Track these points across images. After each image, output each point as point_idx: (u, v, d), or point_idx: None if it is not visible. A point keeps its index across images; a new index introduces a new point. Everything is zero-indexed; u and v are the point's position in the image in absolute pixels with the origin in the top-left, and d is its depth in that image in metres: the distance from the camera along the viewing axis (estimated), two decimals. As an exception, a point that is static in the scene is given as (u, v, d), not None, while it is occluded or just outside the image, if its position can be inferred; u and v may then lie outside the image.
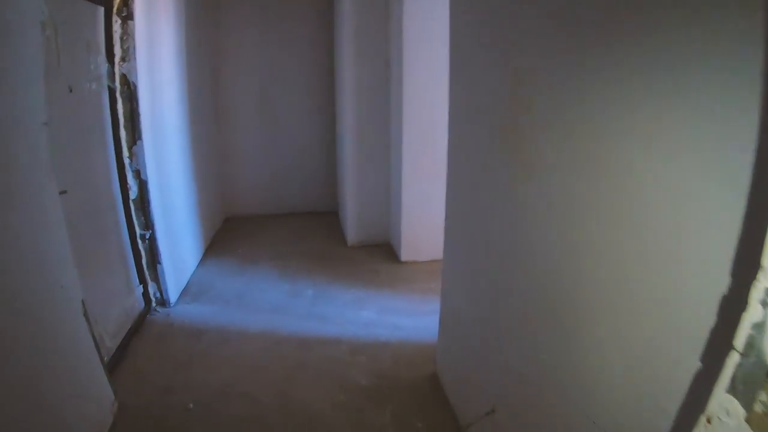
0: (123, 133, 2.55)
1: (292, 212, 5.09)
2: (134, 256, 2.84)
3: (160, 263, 2.92)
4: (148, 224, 2.85)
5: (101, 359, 2.14)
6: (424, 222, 3.76)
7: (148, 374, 2.46)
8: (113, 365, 2.45)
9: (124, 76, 2.47)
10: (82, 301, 2.02)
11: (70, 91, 2.11)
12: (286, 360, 2.59)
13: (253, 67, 4.66)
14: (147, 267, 2.91)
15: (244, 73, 4.66)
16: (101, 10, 2.36)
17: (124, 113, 2.52)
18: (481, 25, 1.67)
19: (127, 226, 2.79)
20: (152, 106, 2.79)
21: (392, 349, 2.72)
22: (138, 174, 2.69)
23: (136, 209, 2.79)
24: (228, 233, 4.55)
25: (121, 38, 2.43)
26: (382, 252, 4.05)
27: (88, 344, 2.07)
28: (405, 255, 3.84)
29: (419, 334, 2.84)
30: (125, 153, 2.60)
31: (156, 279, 2.97)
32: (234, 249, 4.12)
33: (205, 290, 3.38)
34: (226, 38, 4.53)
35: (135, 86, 2.49)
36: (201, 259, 3.86)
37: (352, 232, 4.14)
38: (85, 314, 2.04)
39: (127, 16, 2.43)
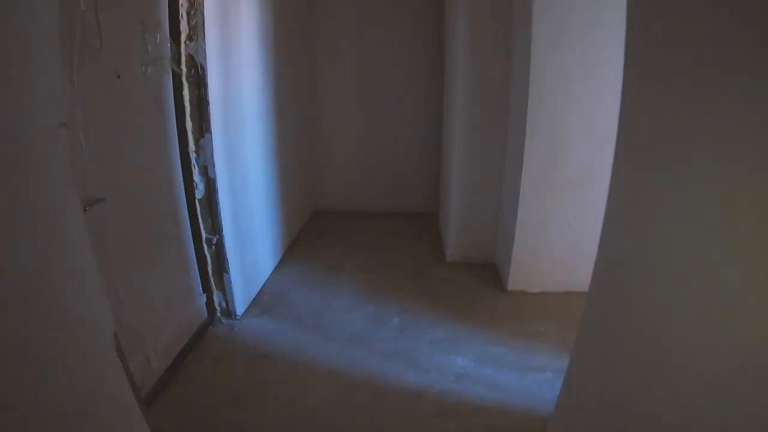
0: (189, 124, 2.17)
1: (386, 211, 4.57)
2: (199, 263, 2.51)
3: (227, 272, 2.57)
4: (215, 228, 2.49)
5: (137, 396, 1.81)
6: (539, 248, 3.02)
7: (197, 407, 2.10)
8: (160, 389, 2.13)
9: (190, 58, 2.08)
10: (115, 334, 1.67)
11: (118, 77, 1.74)
12: (355, 416, 2.08)
13: (353, 55, 4.17)
14: (213, 274, 2.57)
15: (343, 61, 4.19)
16: (164, -24, 1.97)
17: (190, 101, 2.14)
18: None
19: (192, 229, 2.45)
20: (225, 93, 2.39)
21: (487, 417, 2.08)
22: (205, 171, 2.32)
23: (202, 210, 2.44)
24: (314, 231, 4.16)
25: (188, 12, 2.03)
26: (485, 274, 3.37)
27: (120, 382, 1.73)
28: (513, 283, 3.13)
29: (523, 399, 2.18)
30: (191, 147, 2.23)
31: (222, 288, 2.62)
32: (318, 252, 3.70)
33: (278, 302, 2.99)
34: (322, 24, 4.08)
35: (204, 69, 2.08)
36: (280, 261, 3.51)
37: (453, 246, 3.51)
38: (118, 347, 1.69)
39: (197, -15, 2.02)
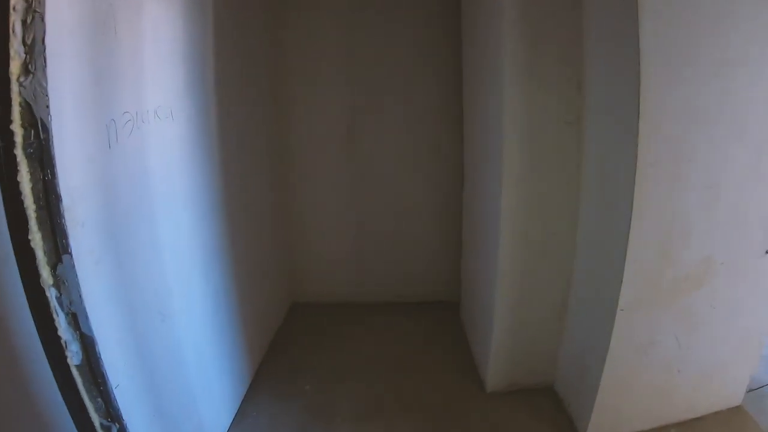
0: (35, 239, 1.09)
1: (388, 301, 3.44)
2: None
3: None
4: (110, 410, 1.36)
5: None
6: (637, 375, 1.99)
7: None
8: None
9: (27, 108, 1.03)
10: None
11: None
12: None
13: (337, 92, 3.13)
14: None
15: (322, 99, 3.14)
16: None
17: (33, 192, 1.07)
18: None
19: (74, 415, 1.32)
20: (107, 171, 1.35)
21: None
22: (75, 321, 1.21)
23: (86, 383, 1.31)
24: (292, 340, 2.98)
25: (23, 20, 0.99)
26: (545, 409, 2.27)
27: None
28: (596, 426, 2.06)
29: None
30: (45, 280, 1.14)
31: None
32: (298, 381, 2.54)
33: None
34: (294, 51, 3.08)
35: (48, 131, 1.02)
36: (242, 404, 2.34)
37: (494, 369, 2.39)
38: None
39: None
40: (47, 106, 1.03)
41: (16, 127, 1.05)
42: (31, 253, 1.14)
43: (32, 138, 1.05)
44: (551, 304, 2.29)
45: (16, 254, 1.12)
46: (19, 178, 1.09)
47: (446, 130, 3.14)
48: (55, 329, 1.22)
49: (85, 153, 1.27)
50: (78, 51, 1.23)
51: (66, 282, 1.17)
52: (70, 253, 1.13)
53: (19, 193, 1.09)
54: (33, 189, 1.09)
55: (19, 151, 1.07)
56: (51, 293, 1.20)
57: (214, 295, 2.08)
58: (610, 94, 1.81)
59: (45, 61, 1.01)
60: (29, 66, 1.03)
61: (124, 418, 1.40)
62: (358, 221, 3.33)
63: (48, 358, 1.23)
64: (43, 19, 1.01)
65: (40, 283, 1.18)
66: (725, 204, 1.76)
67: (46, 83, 1.01)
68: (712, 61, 1.59)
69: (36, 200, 1.10)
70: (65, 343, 1.26)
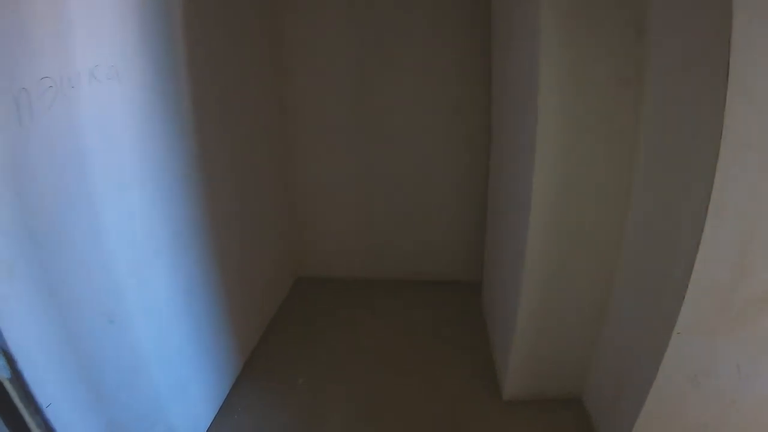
0: None
1: (400, 278, 3.14)
2: None
3: None
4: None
5: None
6: (687, 406, 1.61)
7: None
8: None
9: None
10: None
11: None
12: None
13: (345, 42, 2.67)
14: None
15: (327, 50, 2.70)
16: None
17: None
18: None
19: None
20: (19, 152, 1.05)
21: None
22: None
23: (22, 400, 1.09)
24: (292, 319, 2.74)
25: None
26: (570, 425, 1.95)
27: None
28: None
29: None
30: None
31: None
32: (291, 371, 2.28)
33: None
34: (297, 21, 2.66)
35: None
36: (231, 390, 2.13)
37: (514, 374, 2.05)
38: None
39: None
40: None
41: None
42: None
43: None
44: (588, 304, 1.91)
45: None
46: None
47: (471, 87, 2.68)
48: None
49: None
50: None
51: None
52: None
53: None
54: None
55: None
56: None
57: (186, 285, 1.80)
58: (686, 43, 1.34)
59: None
60: None
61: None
62: (369, 189, 2.97)
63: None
64: None
65: None
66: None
67: None
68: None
69: None
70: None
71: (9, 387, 1.15)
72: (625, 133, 1.65)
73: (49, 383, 1.22)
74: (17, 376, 1.14)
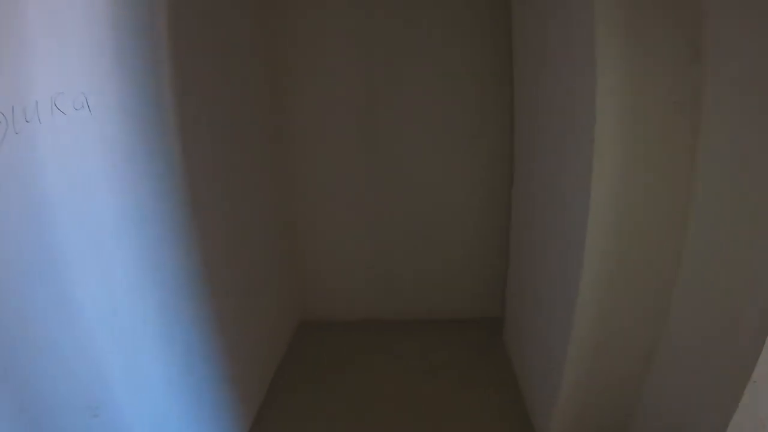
0: None
1: (416, 318, 2.85)
2: None
3: None
4: None
5: None
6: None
7: None
8: None
9: None
10: None
11: None
12: None
13: (350, 64, 2.44)
14: None
15: (331, 73, 2.46)
16: None
17: None
18: None
19: None
20: None
21: None
22: None
23: None
24: (299, 365, 2.42)
25: None
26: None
27: None
28: None
29: None
30: None
31: None
32: (301, 425, 1.98)
33: None
34: (296, 9, 2.42)
35: None
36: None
37: (560, 422, 1.79)
38: None
39: None
40: None
41: None
42: None
43: None
44: (638, 350, 1.66)
45: None
46: None
47: (491, 111, 2.47)
48: None
49: None
50: None
51: None
52: None
53: None
54: None
55: None
56: None
57: (182, 352, 1.50)
58: (755, 63, 1.13)
59: None
60: None
61: None
62: (379, 222, 2.71)
63: None
64: None
65: None
66: None
67: None
68: None
69: None
70: None
71: None
72: (680, 162, 1.43)
73: None
74: None
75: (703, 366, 1.43)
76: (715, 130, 1.34)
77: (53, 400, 1.02)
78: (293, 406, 2.14)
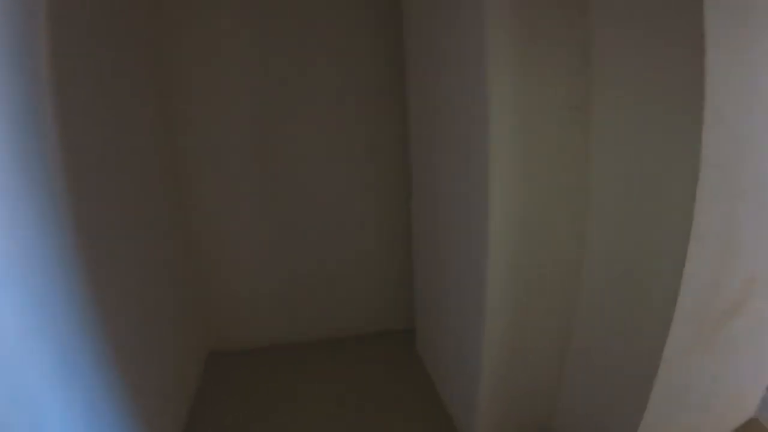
0: None
1: (329, 337, 2.82)
2: None
3: None
4: None
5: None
6: (673, 426, 1.60)
7: None
8: None
9: None
10: None
11: None
12: None
13: (245, 82, 2.37)
14: None
15: (226, 93, 2.36)
16: None
17: None
18: None
19: None
20: None
21: None
22: None
23: None
24: (209, 409, 2.25)
25: None
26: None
27: None
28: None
29: None
30: None
31: None
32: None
33: None
34: (189, 28, 2.28)
35: None
36: None
37: (484, 421, 1.90)
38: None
39: None
40: None
41: None
42: None
43: None
44: (552, 341, 1.81)
45: None
46: None
47: (386, 125, 2.54)
48: None
49: None
50: None
51: None
52: None
53: None
54: None
55: None
56: None
57: (83, 412, 1.33)
58: (643, 64, 1.32)
59: None
60: None
61: None
62: (282, 245, 2.64)
63: None
64: None
65: None
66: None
67: None
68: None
69: None
70: None
71: None
72: (576, 165, 1.59)
73: None
74: None
75: (610, 365, 1.61)
76: (605, 129, 1.50)
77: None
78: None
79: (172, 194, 2.32)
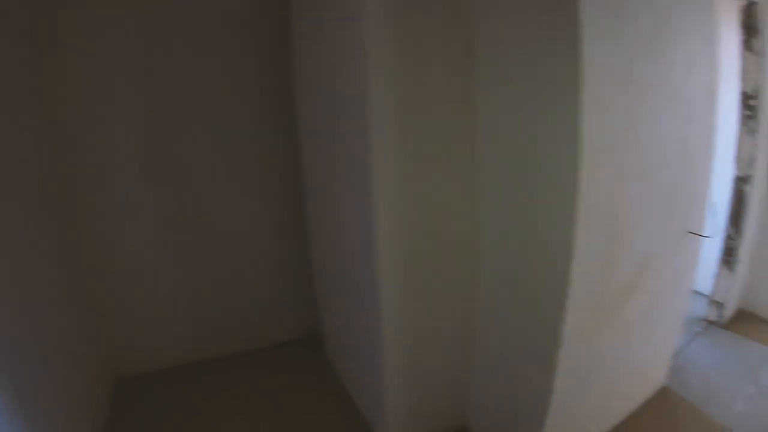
0: None
1: (238, 351, 2.67)
2: None
3: None
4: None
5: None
6: (578, 403, 1.61)
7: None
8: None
9: None
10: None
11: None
12: None
13: (132, 99, 2.16)
14: None
15: (111, 109, 2.14)
16: None
17: None
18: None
19: None
20: None
21: None
22: None
23: None
24: (128, 428, 2.08)
25: None
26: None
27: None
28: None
29: None
30: None
31: None
32: None
33: None
34: (69, 54, 2.01)
35: None
36: None
37: (394, 418, 1.83)
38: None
39: None
40: None
41: None
42: None
43: None
44: (454, 334, 1.78)
45: None
46: None
47: (277, 135, 2.43)
48: None
49: None
50: None
51: None
52: None
53: None
54: None
55: None
56: None
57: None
58: (524, 57, 1.29)
59: None
60: None
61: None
62: (180, 262, 2.45)
63: None
64: None
65: None
66: (660, 188, 1.42)
67: None
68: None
69: None
70: None
71: None
72: (465, 157, 1.55)
73: None
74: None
75: (513, 355, 1.58)
76: (489, 123, 1.47)
77: None
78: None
79: (62, 216, 2.08)
